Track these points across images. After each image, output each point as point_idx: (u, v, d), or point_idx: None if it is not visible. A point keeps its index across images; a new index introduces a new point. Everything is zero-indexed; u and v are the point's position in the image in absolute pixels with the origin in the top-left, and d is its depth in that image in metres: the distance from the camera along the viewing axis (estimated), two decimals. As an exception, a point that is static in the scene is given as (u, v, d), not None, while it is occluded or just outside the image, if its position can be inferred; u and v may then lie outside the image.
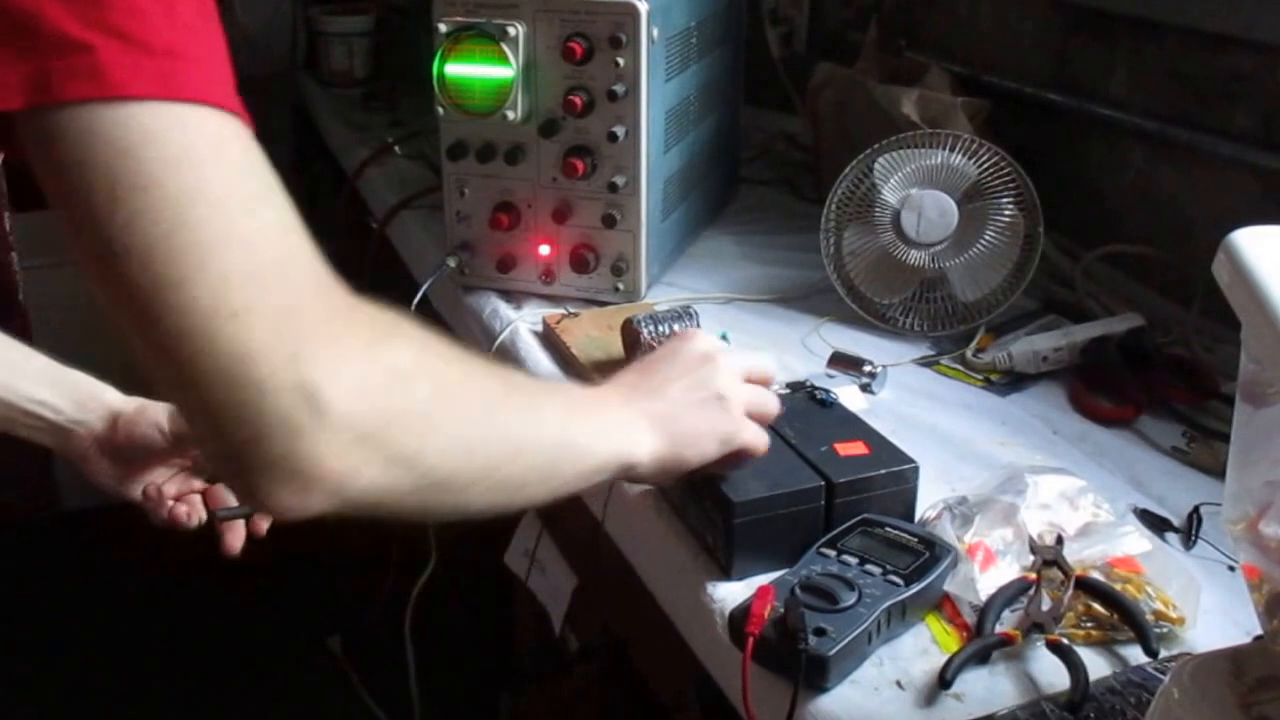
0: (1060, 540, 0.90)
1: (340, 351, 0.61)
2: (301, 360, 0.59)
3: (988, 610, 0.85)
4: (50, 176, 0.57)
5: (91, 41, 0.55)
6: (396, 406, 0.65)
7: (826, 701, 0.80)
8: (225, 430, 0.60)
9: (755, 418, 0.93)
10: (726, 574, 0.93)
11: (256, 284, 0.59)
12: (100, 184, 0.56)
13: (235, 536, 1.08)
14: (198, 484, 1.10)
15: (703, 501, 0.95)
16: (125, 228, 0.56)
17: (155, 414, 1.07)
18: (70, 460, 1.07)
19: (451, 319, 1.54)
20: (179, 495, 1.09)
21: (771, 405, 0.95)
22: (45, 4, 0.54)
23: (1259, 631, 0.69)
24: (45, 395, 1.04)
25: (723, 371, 0.92)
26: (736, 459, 0.92)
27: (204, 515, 1.07)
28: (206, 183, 0.58)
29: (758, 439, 0.92)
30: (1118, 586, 0.87)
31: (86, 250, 0.58)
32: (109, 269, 0.58)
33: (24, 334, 2.32)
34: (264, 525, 1.09)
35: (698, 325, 1.23)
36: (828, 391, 1.08)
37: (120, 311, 0.59)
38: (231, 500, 1.09)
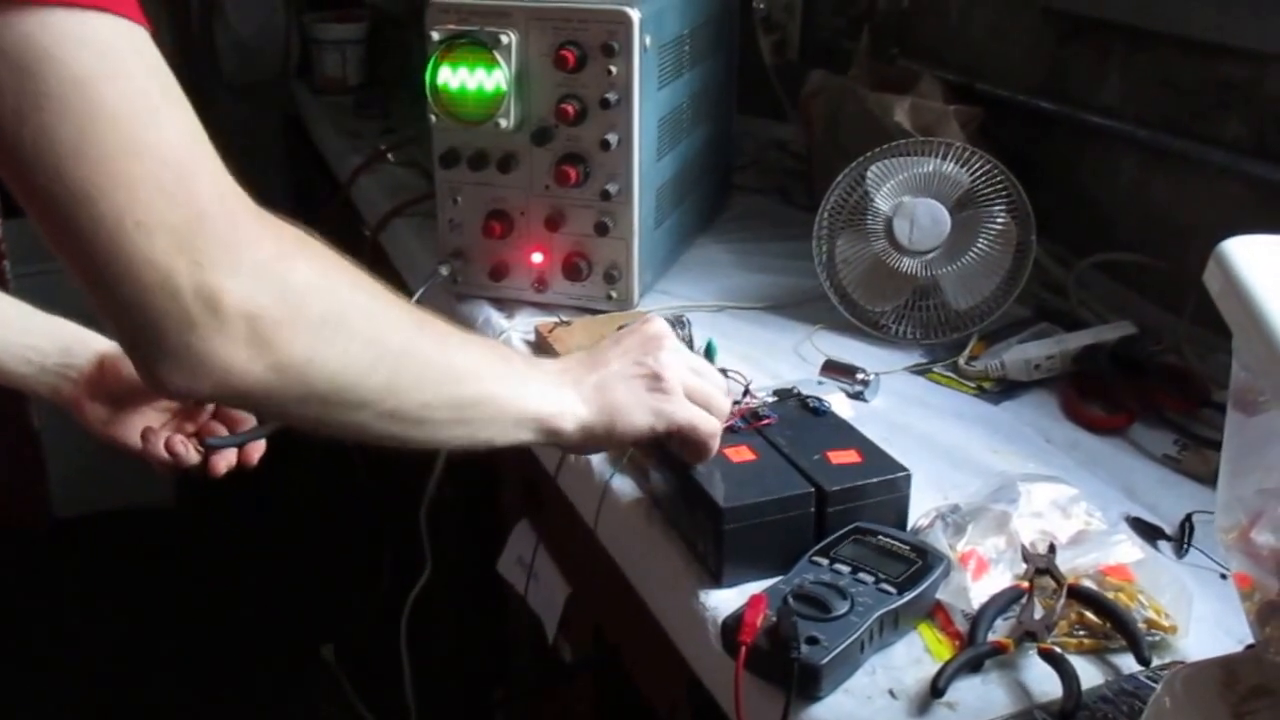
0: (1052, 548, 0.90)
1: (240, 259, 0.66)
2: (202, 268, 0.64)
3: (980, 619, 0.85)
4: None
5: None
6: (289, 315, 0.68)
7: (819, 710, 0.80)
8: (131, 324, 0.65)
9: (702, 406, 0.94)
10: (717, 581, 0.93)
11: (160, 195, 0.62)
12: (6, 100, 0.59)
13: (221, 460, 1.09)
14: (190, 426, 1.12)
15: (694, 509, 0.95)
16: (33, 143, 0.59)
17: None
18: (61, 407, 1.09)
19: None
20: (187, 455, 1.10)
21: (716, 397, 0.96)
22: None
23: (1251, 640, 0.69)
24: (33, 342, 1.07)
25: (666, 351, 0.93)
26: (691, 447, 0.93)
27: (201, 452, 1.08)
28: (107, 97, 0.60)
29: (698, 420, 0.93)
30: (1110, 595, 0.87)
31: (4, 164, 0.61)
32: (24, 181, 0.61)
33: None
34: (255, 455, 1.11)
35: (690, 333, 1.23)
36: (820, 399, 1.08)
37: (40, 221, 0.63)
38: (222, 433, 1.12)
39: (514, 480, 1.51)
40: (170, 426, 1.11)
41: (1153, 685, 0.79)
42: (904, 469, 0.97)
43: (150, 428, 1.08)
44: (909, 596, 0.86)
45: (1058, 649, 0.82)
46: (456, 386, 0.82)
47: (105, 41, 0.60)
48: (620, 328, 1.21)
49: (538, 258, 1.41)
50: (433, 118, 1.37)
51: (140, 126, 0.62)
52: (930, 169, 1.33)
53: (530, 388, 0.88)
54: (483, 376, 0.84)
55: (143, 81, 0.62)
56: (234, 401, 0.71)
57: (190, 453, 1.06)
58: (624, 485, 1.07)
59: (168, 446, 1.06)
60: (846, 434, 1.02)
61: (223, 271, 0.64)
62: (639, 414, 0.91)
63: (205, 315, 0.64)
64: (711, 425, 0.94)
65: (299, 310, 0.69)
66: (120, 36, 0.61)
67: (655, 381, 0.92)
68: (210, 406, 1.12)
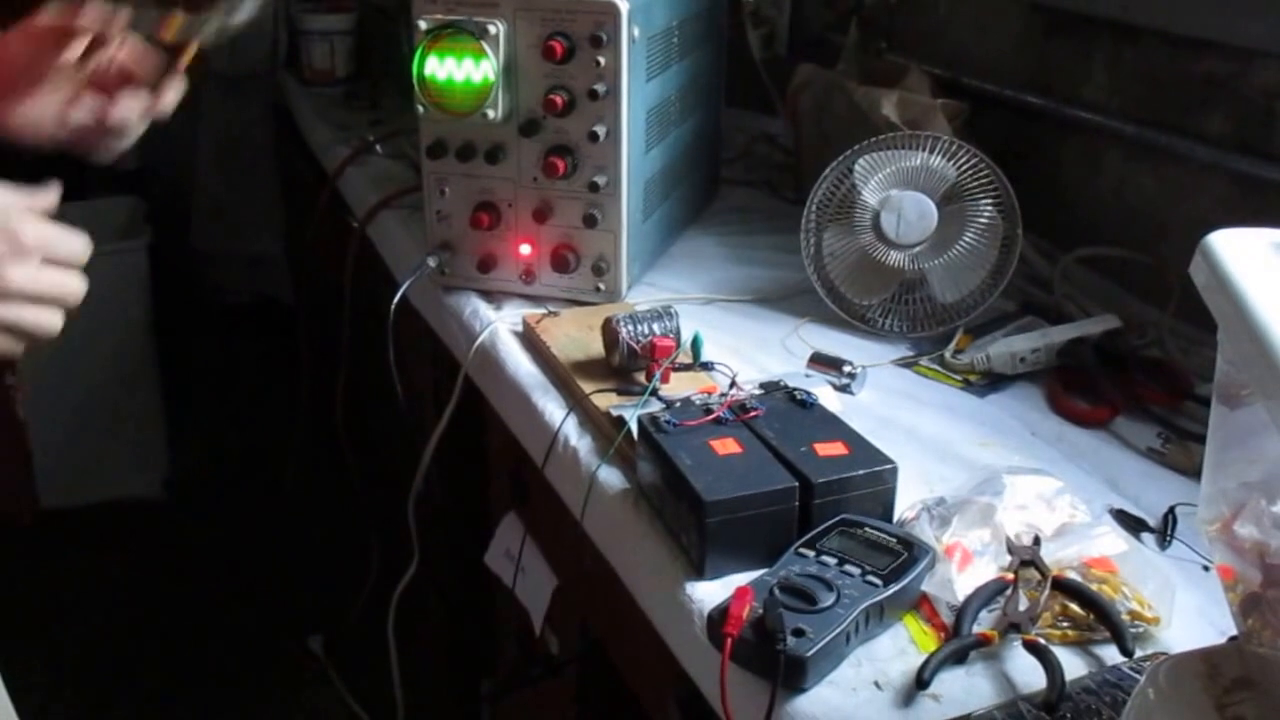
0: (1037, 540, 0.90)
1: None
2: None
3: (965, 610, 0.85)
4: None
5: None
6: None
7: (805, 702, 0.80)
8: None
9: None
10: (699, 573, 0.93)
11: None
12: None
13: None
14: (107, 107, 1.14)
15: (678, 501, 0.95)
16: None
17: (12, 33, 1.13)
18: None
19: (432, 319, 1.54)
20: (100, 114, 1.14)
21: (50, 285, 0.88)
22: None
23: (1234, 632, 0.70)
24: None
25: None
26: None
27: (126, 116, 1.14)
28: None
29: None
30: (1094, 587, 0.87)
31: None
32: None
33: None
34: (169, 101, 1.16)
35: (678, 325, 1.23)
36: (808, 392, 1.08)
37: None
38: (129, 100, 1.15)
39: (501, 472, 1.51)
40: (85, 106, 1.14)
41: (1136, 676, 0.79)
42: (890, 461, 0.97)
43: (71, 121, 1.12)
44: (894, 588, 0.86)
45: (1042, 640, 0.83)
46: None
47: None
48: (608, 319, 1.22)
49: (526, 249, 1.41)
50: (420, 108, 1.37)
51: None
52: (917, 162, 1.34)
53: None
54: None
55: None
56: None
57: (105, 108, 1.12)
58: (611, 476, 1.08)
59: (99, 118, 1.11)
60: (833, 426, 1.02)
61: None
62: None
63: None
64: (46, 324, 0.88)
65: None
66: None
67: None
68: (114, 68, 1.15)
